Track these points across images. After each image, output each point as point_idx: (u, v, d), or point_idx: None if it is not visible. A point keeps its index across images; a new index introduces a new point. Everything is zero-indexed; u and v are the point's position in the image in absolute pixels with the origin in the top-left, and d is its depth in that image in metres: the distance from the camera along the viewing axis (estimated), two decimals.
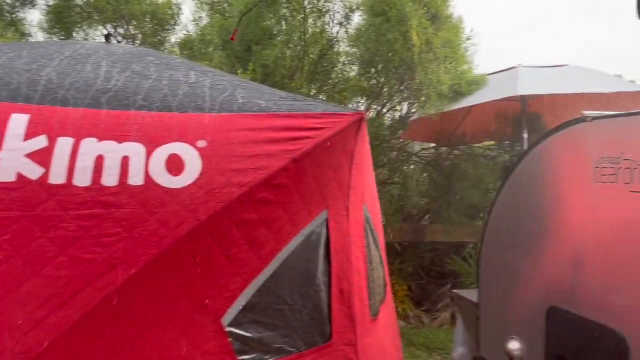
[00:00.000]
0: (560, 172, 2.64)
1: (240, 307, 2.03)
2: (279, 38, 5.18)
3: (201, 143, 2.10)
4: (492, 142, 6.18)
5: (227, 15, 5.43)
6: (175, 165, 2.03)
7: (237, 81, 2.64)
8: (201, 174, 2.03)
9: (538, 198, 2.73)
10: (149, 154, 2.04)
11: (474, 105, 4.97)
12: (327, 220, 2.25)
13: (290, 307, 2.15)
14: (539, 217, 2.68)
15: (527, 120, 5.16)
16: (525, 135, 5.10)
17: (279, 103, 2.34)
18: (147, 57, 2.78)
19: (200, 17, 6.59)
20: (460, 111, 5.27)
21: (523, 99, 5.11)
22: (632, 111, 2.28)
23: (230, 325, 2.02)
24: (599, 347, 2.23)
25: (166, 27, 7.08)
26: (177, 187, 2.00)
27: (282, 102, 2.35)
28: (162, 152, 2.05)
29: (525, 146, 5.11)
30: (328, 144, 2.19)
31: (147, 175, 2.00)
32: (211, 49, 5.36)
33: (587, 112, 2.44)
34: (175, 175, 2.02)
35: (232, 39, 3.71)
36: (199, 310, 1.97)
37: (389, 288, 3.00)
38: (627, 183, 2.18)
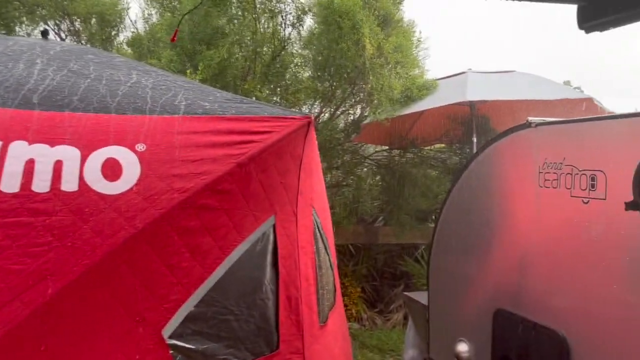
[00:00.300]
0: (507, 176, 2.68)
1: (182, 318, 1.95)
2: (230, 38, 5.07)
3: (140, 147, 2.00)
4: (442, 145, 6.28)
5: (178, 13, 5.27)
6: (112, 170, 1.93)
7: (182, 82, 2.55)
8: (140, 179, 1.93)
9: (485, 202, 2.76)
10: (84, 158, 1.93)
11: (425, 109, 5.03)
12: (274, 227, 2.19)
13: (235, 316, 2.08)
14: (486, 221, 2.71)
15: (476, 124, 5.27)
16: (475, 139, 5.21)
17: (225, 106, 2.27)
18: (87, 55, 2.64)
19: (150, 15, 6.41)
20: (412, 115, 5.32)
21: (472, 103, 5.22)
22: (573, 118, 2.33)
23: (171, 337, 1.93)
24: (542, 348, 2.27)
25: (114, 25, 6.85)
26: (113, 193, 1.89)
27: (228, 105, 2.28)
28: (98, 157, 1.94)
29: (475, 150, 5.21)
30: (275, 148, 2.13)
31: (81, 181, 1.89)
32: (161, 47, 5.20)
33: (532, 119, 2.47)
34: (112, 180, 1.91)
35: (172, 39, 3.60)
36: (137, 322, 1.87)
37: (339, 293, 2.97)
38: (568, 188, 2.22)
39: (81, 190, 1.87)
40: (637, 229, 1.94)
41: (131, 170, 1.94)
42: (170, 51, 4.66)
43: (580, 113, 4.63)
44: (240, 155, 2.05)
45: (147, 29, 6.04)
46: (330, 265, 2.76)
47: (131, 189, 1.91)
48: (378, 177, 6.58)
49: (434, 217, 6.65)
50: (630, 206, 1.96)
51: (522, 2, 2.04)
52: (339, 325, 2.87)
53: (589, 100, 4.65)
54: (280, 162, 2.18)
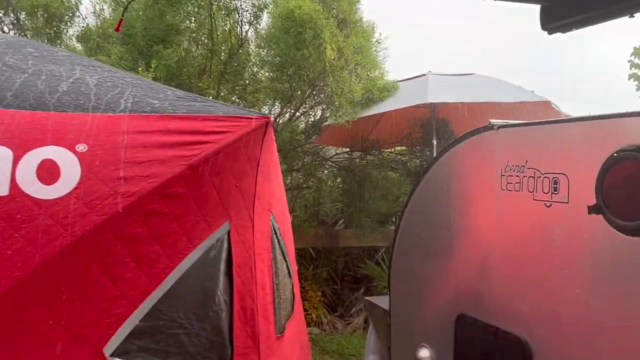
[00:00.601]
0: (468, 179, 2.64)
1: (127, 334, 1.78)
2: (186, 35, 4.88)
3: (81, 147, 1.84)
4: (403, 148, 6.26)
5: (131, 8, 5.04)
6: (48, 172, 1.75)
7: (131, 79, 2.38)
8: (80, 182, 1.76)
9: (447, 205, 2.71)
10: (17, 159, 1.75)
11: (386, 111, 4.98)
12: (229, 233, 2.05)
13: (185, 330, 1.93)
14: (447, 224, 2.67)
15: (436, 127, 5.26)
16: (435, 142, 5.20)
17: (176, 104, 2.11)
18: (26, 48, 2.44)
19: (102, 9, 6.12)
20: (373, 117, 5.27)
21: (433, 105, 5.21)
22: (536, 121, 2.30)
23: (114, 355, 1.77)
24: (504, 354, 2.22)
25: (63, 20, 6.53)
26: (50, 197, 1.72)
27: (180, 103, 2.13)
28: (33, 158, 1.76)
29: (435, 152, 5.21)
30: (230, 149, 2.00)
31: (13, 184, 1.71)
32: (112, 43, 4.95)
33: (494, 121, 2.44)
34: (49, 184, 1.74)
35: (117, 29, 3.41)
36: (75, 340, 1.70)
37: (298, 301, 2.86)
38: (531, 191, 2.19)
39: (12, 194, 1.69)
40: (600, 232, 1.91)
41: (70, 172, 1.77)
42: (121, 47, 4.43)
43: (539, 116, 4.66)
44: (192, 157, 1.90)
45: (99, 24, 5.76)
46: (289, 272, 2.64)
47: (70, 193, 1.74)
48: (339, 180, 6.50)
49: (394, 219, 6.63)
50: (593, 210, 1.94)
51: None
52: (297, 335, 2.76)
53: (547, 103, 4.71)
54: (235, 165, 2.05)
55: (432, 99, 4.53)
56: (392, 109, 4.95)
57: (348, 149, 6.33)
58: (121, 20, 3.19)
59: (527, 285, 2.20)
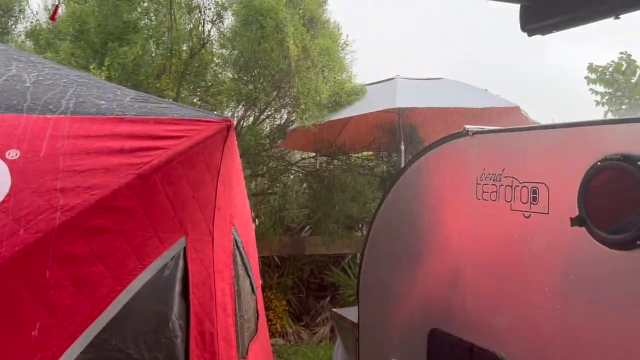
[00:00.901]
0: (442, 188, 2.53)
1: None
2: (143, 33, 4.61)
3: (12, 154, 1.60)
4: (370, 153, 6.13)
5: (83, 2, 4.74)
6: None
7: (75, 77, 2.14)
8: (9, 194, 1.53)
9: (418, 214, 2.62)
10: None
11: (354, 115, 4.84)
12: (185, 250, 1.84)
13: None
14: (419, 234, 2.56)
15: (404, 132, 5.15)
16: (402, 147, 5.08)
17: (126, 105, 1.89)
18: None
19: (54, 4, 5.77)
20: (339, 121, 5.12)
21: (400, 110, 5.10)
22: (514, 127, 2.22)
23: None
24: None
25: (11, 15, 6.15)
26: None
27: (130, 104, 1.91)
28: None
29: (403, 157, 5.11)
30: (187, 156, 1.79)
31: None
32: (66, 40, 4.63)
33: (469, 127, 2.33)
34: None
35: (52, 18, 3.14)
36: None
37: (262, 317, 2.66)
38: (508, 201, 2.10)
39: None
40: (582, 245, 1.82)
41: None
42: (72, 44, 4.13)
43: (509, 122, 4.63)
44: (142, 165, 1.69)
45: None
46: (252, 289, 2.44)
47: None
48: (305, 185, 6.32)
49: (361, 225, 6.50)
50: (575, 221, 1.83)
51: None
52: (262, 355, 2.56)
53: (517, 108, 4.66)
54: (192, 173, 1.84)
55: (400, 103, 4.41)
56: (361, 114, 4.81)
57: (314, 154, 6.16)
58: (57, 7, 2.92)
59: (504, 300, 2.12)
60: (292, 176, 6.25)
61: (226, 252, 2.04)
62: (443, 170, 2.53)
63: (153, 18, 5.14)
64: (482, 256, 2.23)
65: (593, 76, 6.34)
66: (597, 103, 6.37)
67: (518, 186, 2.07)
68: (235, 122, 1.89)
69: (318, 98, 4.18)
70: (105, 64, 3.90)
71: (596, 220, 1.77)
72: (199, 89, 5.20)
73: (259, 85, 4.61)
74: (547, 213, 1.92)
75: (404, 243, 2.69)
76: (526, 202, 2.01)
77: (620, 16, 1.78)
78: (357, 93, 4.81)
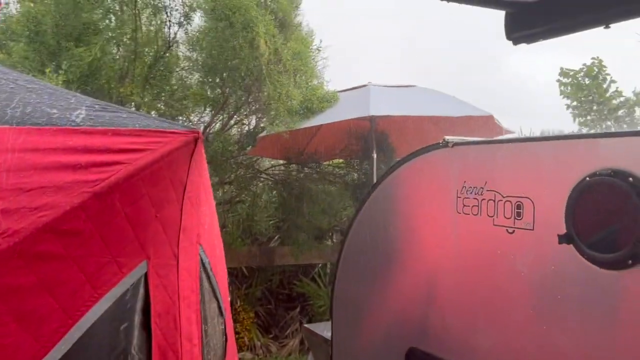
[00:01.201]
0: (420, 200, 2.43)
1: None
2: (104, 35, 4.37)
3: None
4: (341, 161, 6.01)
5: (40, 1, 4.46)
6: None
7: (24, 82, 1.92)
8: None
9: (395, 228, 2.52)
10: None
11: (327, 122, 4.70)
12: (146, 276, 1.65)
13: None
14: (396, 249, 2.47)
15: (376, 140, 5.04)
16: (375, 155, 4.98)
17: (81, 114, 1.70)
18: None
19: (7, 3, 5.44)
20: (310, 128, 4.98)
21: (372, 118, 5.00)
22: (497, 139, 2.14)
23: None
24: None
25: None
26: None
27: (86, 113, 1.72)
28: None
29: (375, 166, 5.01)
30: (149, 171, 1.61)
31: None
32: (20, 41, 4.34)
33: (449, 138, 2.24)
34: None
35: None
36: None
37: (230, 339, 2.48)
38: (490, 216, 2.01)
39: None
40: (570, 264, 1.74)
41: None
42: (26, 46, 3.86)
43: (482, 131, 4.59)
44: (98, 182, 1.50)
45: (2, 18, 5.09)
46: (221, 311, 2.26)
47: None
48: (274, 193, 6.15)
49: (331, 234, 6.37)
50: (564, 239, 1.75)
51: (450, 2, 1.75)
52: None
53: (491, 117, 4.61)
54: (156, 191, 1.66)
55: (374, 111, 4.30)
56: (335, 121, 4.68)
57: (284, 161, 5.99)
58: None
59: (486, 319, 2.03)
60: (260, 184, 6.07)
61: (192, 276, 1.86)
62: (421, 183, 2.44)
63: (114, 19, 4.90)
64: (463, 272, 2.15)
65: (565, 80, 6.43)
66: (568, 107, 6.46)
67: (501, 200, 2.00)
68: (202, 129, 1.72)
69: (290, 103, 4.02)
70: (64, 67, 3.65)
71: (585, 238, 1.70)
72: (163, 94, 4.97)
73: (228, 89, 4.42)
74: (532, 229, 1.85)
75: (380, 257, 2.59)
76: (510, 218, 1.94)
77: (610, 26, 1.71)
78: (329, 100, 4.67)
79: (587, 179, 1.67)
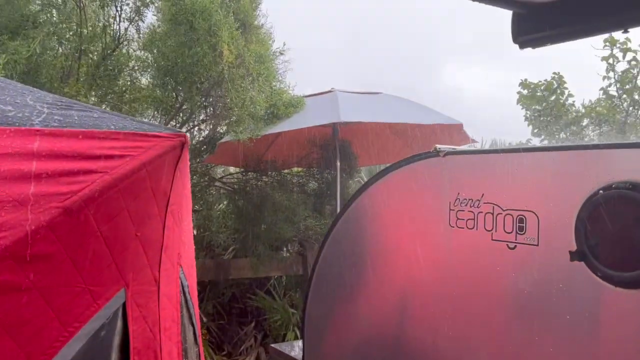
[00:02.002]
0: (407, 213, 2.29)
1: None
2: (45, 29, 3.96)
3: None
4: (300, 169, 5.80)
5: None
6: None
7: None
8: None
9: (377, 243, 2.39)
10: None
11: (294, 129, 4.49)
12: (124, 306, 1.38)
13: None
14: (379, 265, 2.33)
15: (339, 147, 4.88)
16: (338, 163, 4.80)
17: (44, 113, 1.41)
18: None
19: None
20: (269, 135, 4.75)
21: (335, 125, 4.84)
22: (495, 149, 2.04)
23: None
24: None
25: None
26: None
27: (49, 112, 1.43)
28: None
29: (338, 174, 4.84)
30: (129, 182, 1.35)
31: None
32: None
33: (440, 146, 2.12)
34: None
35: None
36: None
37: None
38: (488, 230, 1.89)
39: None
40: (582, 282, 1.63)
41: None
42: None
43: (451, 139, 4.53)
44: (69, 195, 1.23)
45: None
46: (195, 339, 1.99)
47: None
48: (226, 202, 5.83)
49: (287, 245, 6.14)
50: (576, 256, 1.64)
51: None
52: None
53: (460, 126, 4.56)
54: (136, 205, 1.39)
55: (345, 117, 4.14)
56: (304, 127, 4.47)
57: (241, 169, 5.71)
58: None
59: (485, 342, 1.91)
60: (214, 192, 5.74)
61: (173, 303, 1.60)
62: (409, 194, 2.30)
63: (55, 13, 4.47)
64: (456, 291, 2.02)
65: (525, 91, 6.59)
66: (525, 118, 6.62)
67: (501, 214, 1.89)
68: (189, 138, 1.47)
69: (254, 109, 3.78)
70: (1, 61, 3.24)
71: (599, 255, 1.59)
72: (110, 94, 4.59)
73: (185, 94, 4.12)
74: (537, 244, 1.74)
75: (360, 275, 2.44)
76: (511, 232, 1.84)
77: (628, 30, 1.63)
78: (295, 105, 4.47)
79: (601, 192, 1.57)
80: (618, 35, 6.18)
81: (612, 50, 6.20)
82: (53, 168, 1.25)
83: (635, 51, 6.19)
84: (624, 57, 6.22)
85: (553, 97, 6.35)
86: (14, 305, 1.14)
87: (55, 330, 1.21)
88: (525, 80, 6.60)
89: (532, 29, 1.82)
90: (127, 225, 1.38)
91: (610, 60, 6.24)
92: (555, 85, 6.44)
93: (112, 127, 1.43)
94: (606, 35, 5.99)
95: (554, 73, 6.48)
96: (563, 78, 6.44)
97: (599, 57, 6.24)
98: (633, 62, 6.19)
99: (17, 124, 1.32)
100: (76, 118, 1.42)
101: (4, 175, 1.20)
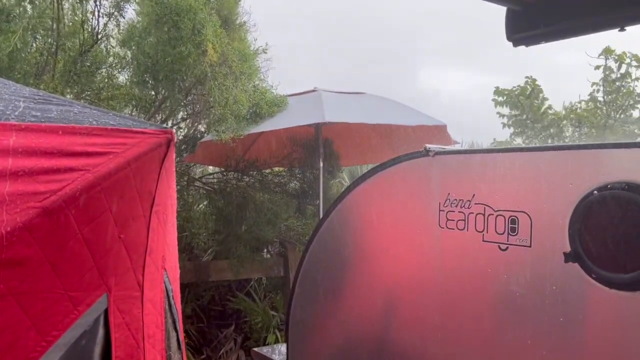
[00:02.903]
0: (396, 214, 2.28)
1: None
2: (22, 23, 3.82)
3: None
4: (282, 169, 5.74)
5: None
6: None
7: None
8: None
9: (364, 244, 2.38)
10: None
11: (279, 129, 4.44)
12: (106, 312, 1.30)
13: None
14: (366, 267, 2.32)
15: (323, 147, 4.84)
16: (321, 164, 4.76)
17: (21, 107, 1.32)
18: None
19: None
20: (250, 134, 4.69)
21: (318, 125, 4.79)
22: (483, 149, 2.02)
23: None
24: None
25: None
26: None
27: (25, 106, 1.34)
28: None
29: (321, 174, 4.80)
30: (112, 181, 1.27)
31: None
32: None
33: (430, 146, 2.10)
34: None
35: None
36: None
37: None
38: (479, 231, 1.88)
39: None
40: (576, 283, 1.63)
41: None
42: None
43: (435, 141, 4.51)
44: (48, 195, 1.15)
45: None
46: (179, 344, 1.92)
47: None
48: (206, 203, 5.73)
49: (269, 247, 6.07)
50: (571, 257, 1.63)
51: None
52: None
53: (444, 127, 4.56)
54: (120, 205, 1.32)
55: (329, 117, 4.10)
56: (287, 127, 4.42)
57: (221, 169, 5.61)
58: None
59: (476, 344, 1.91)
60: (193, 193, 5.63)
61: (157, 309, 1.52)
62: (397, 194, 2.28)
63: (29, 7, 4.32)
64: (447, 292, 2.02)
65: (500, 99, 6.67)
66: (504, 125, 6.71)
67: (492, 214, 1.89)
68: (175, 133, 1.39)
69: (237, 108, 3.71)
70: None
71: (594, 256, 1.59)
72: (87, 92, 4.45)
73: (166, 92, 4.01)
74: (530, 246, 1.74)
75: (348, 276, 2.42)
76: (503, 233, 1.84)
77: (625, 28, 1.62)
78: (278, 104, 4.40)
79: (595, 192, 1.57)
80: (613, 44, 6.29)
81: (606, 61, 6.32)
82: (30, 165, 1.17)
83: (629, 63, 6.31)
84: (618, 68, 6.35)
85: (528, 101, 6.44)
86: None
87: (32, 340, 1.12)
88: (498, 87, 6.71)
89: (526, 26, 1.80)
90: (110, 227, 1.30)
91: (602, 70, 6.35)
92: (530, 90, 6.53)
93: (94, 122, 1.34)
94: (603, 45, 6.11)
95: (527, 77, 6.58)
96: (536, 82, 6.53)
97: (593, 66, 6.36)
98: (623, 72, 6.30)
99: None
100: (55, 113, 1.33)
101: None
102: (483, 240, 1.86)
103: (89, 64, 4.17)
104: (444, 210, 2.02)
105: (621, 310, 1.51)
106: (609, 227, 1.57)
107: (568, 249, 1.58)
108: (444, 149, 2.06)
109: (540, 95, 6.45)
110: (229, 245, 5.16)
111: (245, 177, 5.14)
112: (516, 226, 1.77)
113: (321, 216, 3.71)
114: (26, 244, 1.10)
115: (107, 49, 4.36)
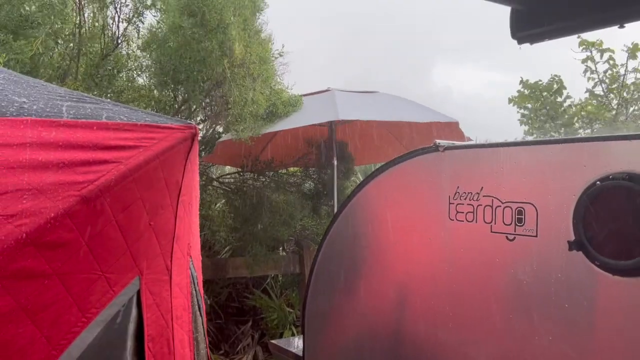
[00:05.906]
0: (407, 207, 2.33)
1: None
2: (45, 28, 3.96)
3: None
4: (297, 169, 5.83)
5: None
6: None
7: None
8: None
9: (377, 238, 2.41)
10: None
11: (292, 128, 4.54)
12: (139, 294, 1.41)
13: None
14: (379, 259, 2.35)
15: (336, 146, 4.93)
16: (335, 162, 4.85)
17: (58, 104, 1.44)
18: None
19: None
20: (266, 134, 4.79)
21: (332, 124, 4.88)
22: (490, 143, 2.08)
23: None
24: None
25: None
26: None
27: (63, 104, 1.46)
28: None
29: (335, 172, 4.88)
30: (143, 172, 1.38)
31: None
32: None
33: (440, 141, 2.15)
34: None
35: None
36: None
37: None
38: (488, 222, 1.93)
39: None
40: (580, 271, 1.67)
41: None
42: None
43: (448, 137, 4.57)
44: (86, 184, 1.26)
45: None
46: (203, 331, 2.02)
47: None
48: (224, 201, 5.84)
49: (284, 245, 6.15)
50: (574, 245, 1.68)
51: None
52: None
53: (456, 124, 4.62)
54: (150, 195, 1.43)
55: (343, 115, 4.19)
56: (302, 125, 4.52)
57: (238, 169, 5.72)
58: None
59: (485, 333, 1.94)
60: (211, 192, 5.75)
61: (184, 293, 1.63)
62: (409, 188, 2.33)
63: (53, 13, 4.48)
64: (456, 282, 2.05)
65: (526, 91, 6.67)
66: (522, 118, 6.71)
67: (500, 206, 1.93)
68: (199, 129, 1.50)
69: (255, 108, 3.81)
70: (1, 60, 3.25)
71: (597, 245, 1.64)
72: (109, 94, 4.59)
73: (187, 93, 4.13)
74: (536, 235, 1.78)
75: (360, 269, 2.46)
76: (510, 224, 1.87)
77: (624, 25, 1.68)
78: (294, 104, 4.51)
79: (598, 183, 1.62)
80: (590, 36, 6.28)
81: (590, 52, 6.31)
82: (70, 158, 1.28)
83: (612, 50, 6.28)
84: (601, 56, 6.32)
85: (552, 98, 6.42)
86: (35, 290, 1.17)
87: (73, 316, 1.23)
88: (527, 80, 6.67)
89: (530, 24, 1.87)
90: (141, 215, 1.41)
91: (589, 63, 6.34)
92: (556, 87, 6.51)
93: (125, 118, 1.46)
94: (584, 36, 6.09)
95: (555, 75, 6.56)
96: (562, 80, 6.52)
97: (579, 60, 6.34)
98: (611, 62, 6.28)
99: (33, 116, 1.34)
100: (89, 110, 1.45)
101: (25, 164, 1.23)
102: (491, 231, 1.90)
103: (110, 68, 4.32)
104: (453, 203, 2.06)
105: (623, 296, 1.56)
106: (611, 216, 1.63)
107: (572, 237, 1.63)
108: (453, 144, 2.12)
109: (564, 92, 6.45)
110: (245, 244, 5.26)
111: (261, 177, 5.23)
112: (523, 217, 1.81)
113: None
114: (67, 228, 1.21)
115: (127, 53, 4.49)
